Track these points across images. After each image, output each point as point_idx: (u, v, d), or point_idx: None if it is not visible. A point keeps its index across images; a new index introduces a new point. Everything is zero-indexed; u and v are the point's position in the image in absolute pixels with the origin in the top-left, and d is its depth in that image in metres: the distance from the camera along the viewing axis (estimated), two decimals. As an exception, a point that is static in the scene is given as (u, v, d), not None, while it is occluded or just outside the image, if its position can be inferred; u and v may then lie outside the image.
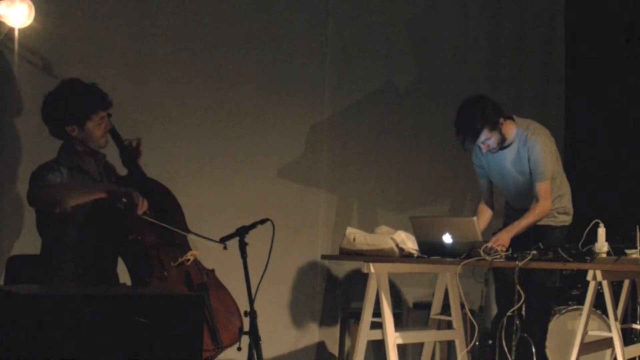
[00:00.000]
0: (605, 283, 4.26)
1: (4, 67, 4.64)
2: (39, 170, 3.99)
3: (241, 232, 4.24)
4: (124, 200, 3.87)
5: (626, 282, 5.00)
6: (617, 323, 4.34)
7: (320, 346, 5.88)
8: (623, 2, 6.66)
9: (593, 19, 6.78)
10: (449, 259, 4.53)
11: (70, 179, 4.01)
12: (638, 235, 4.40)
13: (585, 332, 4.34)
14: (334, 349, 5.88)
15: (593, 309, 4.61)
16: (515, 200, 5.09)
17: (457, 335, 5.18)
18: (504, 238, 4.69)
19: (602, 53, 6.69)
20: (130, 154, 4.22)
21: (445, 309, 5.22)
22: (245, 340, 4.11)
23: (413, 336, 5.24)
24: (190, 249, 4.13)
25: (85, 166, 4.09)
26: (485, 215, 5.12)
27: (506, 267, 4.51)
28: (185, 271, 4.07)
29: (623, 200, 6.22)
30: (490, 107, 4.83)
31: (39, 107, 4.09)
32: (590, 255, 4.28)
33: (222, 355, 4.04)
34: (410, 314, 6.14)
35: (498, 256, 4.43)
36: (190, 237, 4.16)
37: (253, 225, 4.26)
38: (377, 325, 4.80)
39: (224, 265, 4.30)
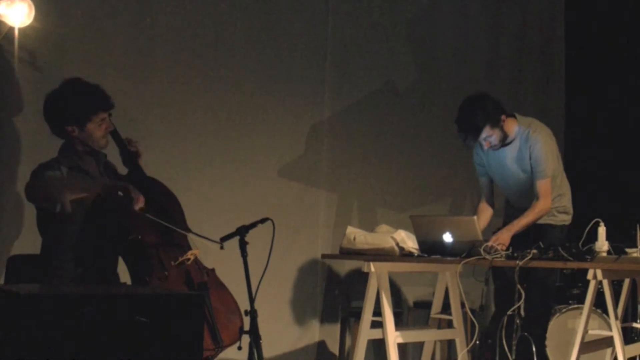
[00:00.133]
0: (605, 282, 4.26)
1: (3, 66, 4.64)
2: (39, 168, 4.00)
3: (241, 232, 4.24)
4: (120, 193, 3.86)
5: (626, 281, 5.00)
6: (618, 322, 4.34)
7: (321, 345, 5.88)
8: (623, 2, 6.66)
9: (593, 18, 6.78)
10: (449, 258, 4.53)
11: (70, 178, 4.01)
12: (638, 234, 4.40)
13: (585, 331, 4.34)
14: (334, 348, 5.88)
15: (593, 308, 4.61)
16: (515, 199, 5.09)
17: (457, 334, 5.18)
18: (504, 237, 4.69)
19: (602, 53, 6.69)
20: (130, 154, 4.22)
21: (446, 308, 5.22)
22: (245, 339, 4.11)
23: (413, 335, 5.24)
24: (190, 249, 4.13)
25: (85, 166, 4.09)
26: (485, 214, 5.12)
27: (506, 266, 4.51)
28: (186, 270, 4.07)
29: (623, 199, 6.22)
30: (491, 104, 4.83)
31: (38, 106, 4.09)
32: (590, 254, 4.28)
33: (222, 355, 4.04)
34: (410, 313, 6.15)
35: (498, 255, 4.43)
36: (190, 236, 4.16)
37: (253, 225, 4.26)
38: (378, 325, 4.81)
39: (224, 264, 4.30)
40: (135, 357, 2.94)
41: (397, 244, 4.72)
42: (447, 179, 6.37)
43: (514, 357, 4.57)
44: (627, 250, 4.38)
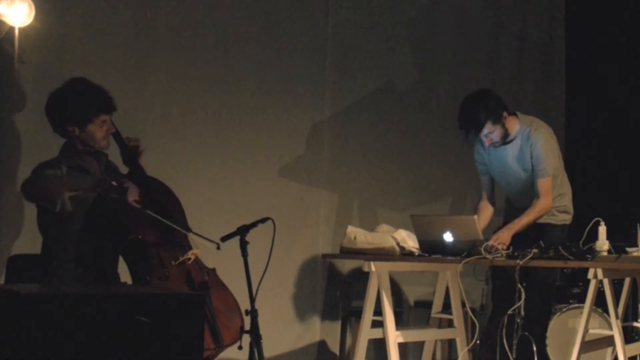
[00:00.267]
0: (606, 281, 4.26)
1: (4, 66, 4.64)
2: (39, 167, 4.00)
3: (242, 231, 4.24)
4: (114, 183, 3.85)
5: (627, 280, 5.00)
6: (618, 321, 4.34)
7: (321, 345, 5.88)
8: (623, 2, 6.66)
9: (593, 18, 6.78)
10: (449, 258, 4.53)
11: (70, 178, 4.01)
12: (639, 234, 4.40)
13: (586, 331, 4.34)
14: (335, 347, 5.88)
15: (594, 307, 4.61)
16: (516, 198, 5.09)
17: (458, 333, 5.18)
18: (504, 236, 4.69)
19: (602, 53, 6.69)
20: (131, 154, 4.22)
21: (446, 307, 5.21)
22: (246, 339, 4.11)
23: (414, 335, 5.24)
24: (191, 248, 4.13)
25: (86, 165, 4.09)
26: (486, 212, 5.11)
27: (507, 265, 4.50)
28: (186, 270, 4.07)
29: (623, 199, 6.22)
30: (493, 101, 4.83)
31: (38, 106, 4.09)
32: (591, 253, 4.28)
33: (223, 354, 4.04)
34: (411, 313, 6.15)
35: (499, 254, 4.43)
36: (191, 236, 4.16)
37: (254, 224, 4.26)
38: (378, 324, 4.80)
39: (225, 264, 4.30)
40: (135, 357, 2.94)
41: (398, 244, 4.72)
42: (447, 179, 6.37)
43: (514, 356, 4.57)
44: (628, 249, 4.38)
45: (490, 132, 4.82)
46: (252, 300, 4.14)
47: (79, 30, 4.94)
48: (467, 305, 4.96)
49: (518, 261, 4.30)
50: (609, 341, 4.48)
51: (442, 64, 6.50)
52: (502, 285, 4.96)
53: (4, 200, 4.69)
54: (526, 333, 4.83)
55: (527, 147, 4.88)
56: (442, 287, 5.22)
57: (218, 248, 4.15)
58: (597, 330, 4.67)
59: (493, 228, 5.00)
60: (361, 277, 5.07)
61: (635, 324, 5.21)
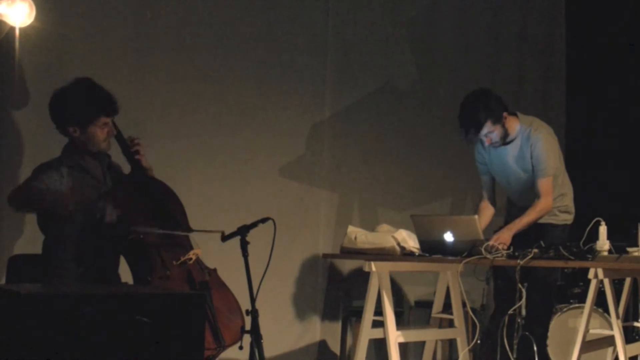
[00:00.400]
0: (606, 281, 4.25)
1: (4, 66, 4.64)
2: (40, 167, 4.01)
3: (242, 231, 4.23)
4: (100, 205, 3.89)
5: (628, 280, 5.00)
6: (619, 321, 4.34)
7: (322, 345, 5.88)
8: (623, 2, 6.65)
9: (593, 18, 6.78)
10: (450, 258, 4.53)
11: (70, 179, 4.00)
12: (639, 233, 4.40)
13: (586, 331, 4.34)
14: (335, 347, 5.88)
15: (594, 307, 4.61)
16: (517, 198, 5.08)
17: (458, 333, 5.18)
18: (505, 236, 4.68)
19: (602, 53, 6.69)
20: (131, 154, 4.21)
21: (447, 307, 5.21)
22: (247, 339, 4.11)
23: (414, 335, 5.23)
24: (192, 248, 4.12)
25: (87, 165, 4.08)
26: (487, 212, 5.10)
27: (507, 265, 4.50)
28: (187, 270, 4.07)
29: (623, 199, 6.22)
30: (493, 101, 4.82)
31: (38, 106, 4.09)
32: (591, 253, 4.28)
33: (223, 354, 4.04)
34: (411, 313, 6.14)
35: (499, 254, 4.43)
36: (192, 236, 4.16)
37: (254, 224, 4.25)
38: (379, 324, 4.80)
39: (225, 264, 4.30)
40: (136, 357, 2.94)
41: (398, 244, 4.72)
42: (447, 179, 6.36)
43: (515, 356, 4.57)
44: (629, 249, 4.38)
45: (490, 131, 4.81)
46: (253, 300, 4.14)
47: (79, 30, 4.94)
48: (468, 305, 4.95)
49: (519, 261, 4.30)
50: (609, 341, 4.48)
51: (442, 64, 6.49)
52: (504, 285, 4.96)
53: (5, 201, 4.68)
54: (527, 333, 4.84)
55: (528, 147, 4.88)
56: (442, 287, 5.21)
57: (222, 238, 4.14)
58: (598, 330, 4.67)
59: (494, 228, 4.99)
60: (361, 277, 5.07)
61: (636, 324, 5.21)
